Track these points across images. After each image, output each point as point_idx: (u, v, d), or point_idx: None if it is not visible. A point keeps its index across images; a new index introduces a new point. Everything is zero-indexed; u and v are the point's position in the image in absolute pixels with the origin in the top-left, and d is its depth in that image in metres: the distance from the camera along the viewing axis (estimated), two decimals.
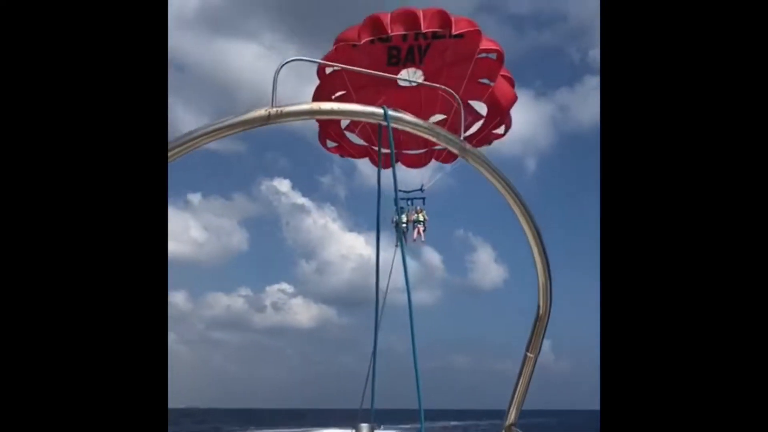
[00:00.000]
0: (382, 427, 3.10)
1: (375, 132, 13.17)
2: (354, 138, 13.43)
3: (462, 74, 12.28)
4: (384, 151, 13.80)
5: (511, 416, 3.37)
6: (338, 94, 12.53)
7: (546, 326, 3.28)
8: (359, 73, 12.22)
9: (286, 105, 2.66)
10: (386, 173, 13.09)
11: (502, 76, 13.28)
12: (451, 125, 13.01)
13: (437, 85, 3.93)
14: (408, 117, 2.94)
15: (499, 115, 13.61)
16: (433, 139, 3.03)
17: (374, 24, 12.17)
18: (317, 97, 12.40)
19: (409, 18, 12.14)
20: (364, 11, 12.47)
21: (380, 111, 2.80)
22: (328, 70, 12.77)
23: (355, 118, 2.50)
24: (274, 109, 2.58)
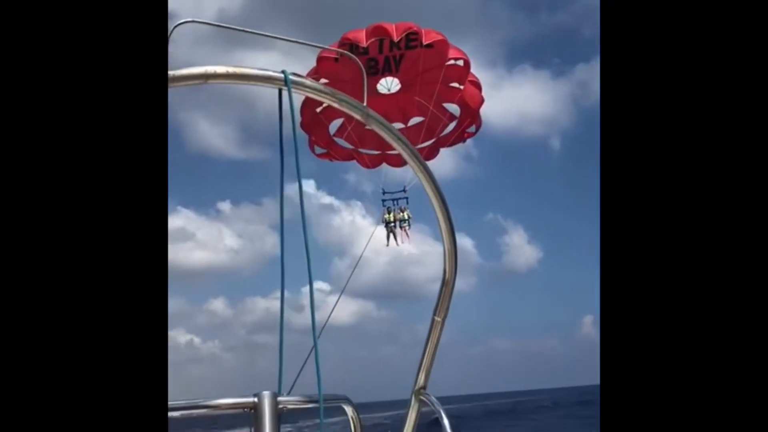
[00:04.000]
0: (284, 394, 2.98)
1: (359, 135, 14.43)
2: (342, 142, 14.67)
3: (434, 79, 13.66)
4: (370, 152, 15.11)
5: (420, 380, 3.42)
6: (325, 104, 13.79)
7: (452, 290, 3.31)
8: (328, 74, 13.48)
9: (179, 69, 2.56)
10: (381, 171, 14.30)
11: (470, 81, 14.68)
12: (428, 126, 14.38)
13: (345, 52, 3.22)
14: (308, 82, 2.82)
15: (470, 116, 15.00)
16: (336, 105, 2.87)
17: (350, 40, 13.48)
18: (305, 106, 13.62)
19: (382, 32, 13.47)
20: (377, 16, 13.73)
21: (279, 75, 2.67)
22: None
23: (254, 83, 2.61)
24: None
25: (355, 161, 14.85)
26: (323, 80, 13.91)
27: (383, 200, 15.57)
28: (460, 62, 14.30)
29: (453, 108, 14.68)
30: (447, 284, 3.27)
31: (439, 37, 13.68)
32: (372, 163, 14.83)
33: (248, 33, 2.95)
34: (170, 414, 2.76)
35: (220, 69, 2.58)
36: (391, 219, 15.55)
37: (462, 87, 14.41)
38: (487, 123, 15.39)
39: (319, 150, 14.65)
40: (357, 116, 2.85)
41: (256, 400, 2.77)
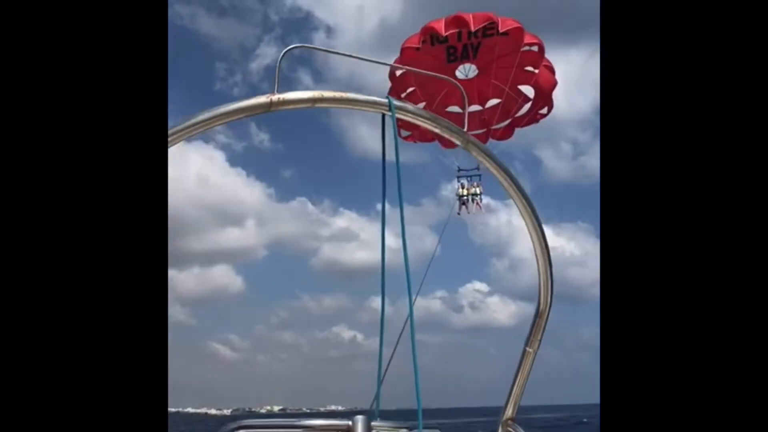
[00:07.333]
0: (378, 420, 3.02)
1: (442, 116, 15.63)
2: None
3: (510, 64, 14.75)
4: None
5: (509, 411, 3.36)
6: (408, 90, 15.18)
7: (546, 322, 3.18)
8: (417, 73, 14.79)
9: (289, 92, 2.65)
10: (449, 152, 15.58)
11: (544, 65, 15.64)
12: (504, 107, 15.48)
13: (442, 76, 3.63)
14: (411, 107, 2.87)
15: (543, 99, 15.98)
16: (436, 130, 2.94)
17: (432, 30, 14.75)
18: (391, 91, 15.01)
19: (461, 22, 14.66)
20: (518, 15, 14.98)
21: (384, 101, 2.75)
22: (397, 73, 15.40)
23: (359, 108, 2.77)
24: (276, 97, 2.57)
25: (436, 142, 16.12)
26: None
27: (458, 176, 16.91)
28: (535, 48, 15.28)
29: (527, 90, 15.71)
30: (541, 316, 3.16)
31: (515, 25, 14.72)
32: (452, 143, 16.00)
33: (346, 56, 3.12)
34: (269, 431, 3.04)
35: (328, 93, 2.68)
36: (465, 193, 16.93)
37: (536, 71, 15.39)
38: None
39: (404, 133, 15.99)
40: (457, 141, 2.95)
41: (350, 423, 2.91)
